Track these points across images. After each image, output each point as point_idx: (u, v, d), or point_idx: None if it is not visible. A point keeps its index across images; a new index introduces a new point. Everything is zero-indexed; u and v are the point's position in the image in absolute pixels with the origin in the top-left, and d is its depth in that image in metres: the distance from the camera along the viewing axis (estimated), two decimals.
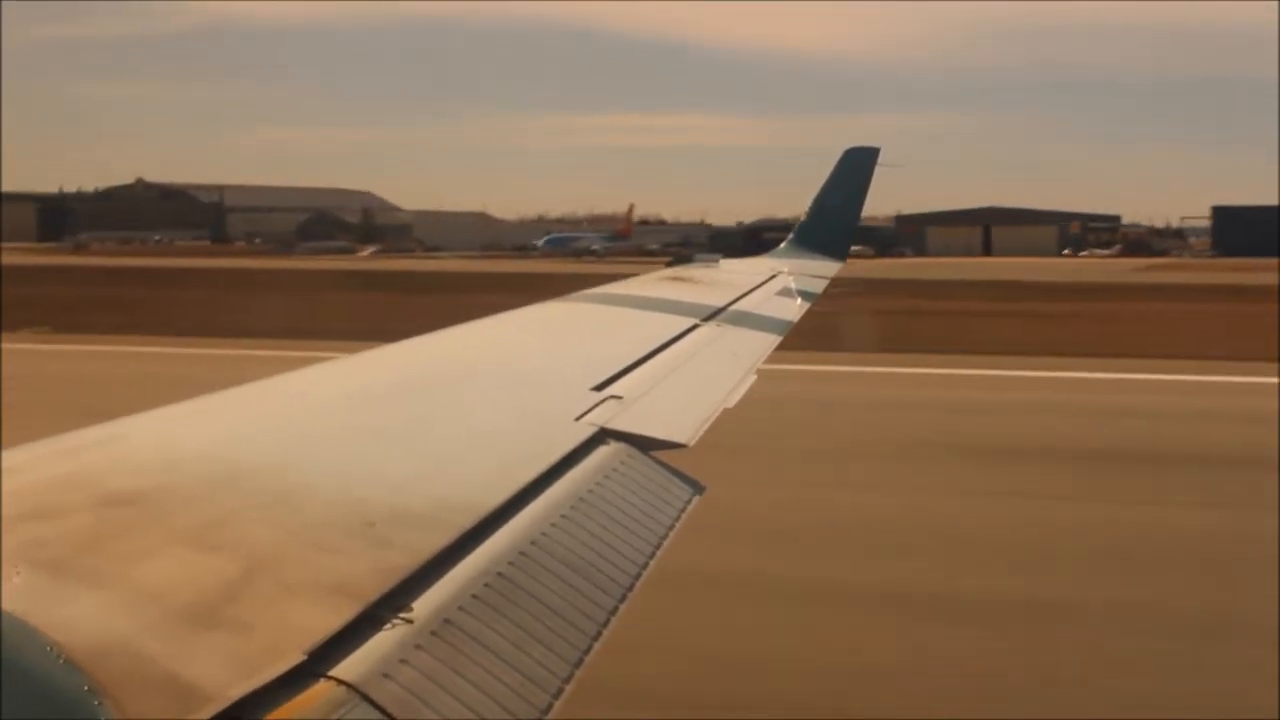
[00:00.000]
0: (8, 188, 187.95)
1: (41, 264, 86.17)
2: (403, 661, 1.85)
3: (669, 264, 9.46)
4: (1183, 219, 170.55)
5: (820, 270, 9.58)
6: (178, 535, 2.05)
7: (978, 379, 25.85)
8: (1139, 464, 17.26)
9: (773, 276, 8.53)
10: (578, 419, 3.41)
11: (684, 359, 4.83)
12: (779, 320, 6.77)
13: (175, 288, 58.41)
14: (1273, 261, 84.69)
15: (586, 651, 2.19)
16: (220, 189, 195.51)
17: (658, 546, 2.77)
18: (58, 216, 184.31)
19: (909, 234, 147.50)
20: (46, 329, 34.81)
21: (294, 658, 1.73)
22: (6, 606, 1.65)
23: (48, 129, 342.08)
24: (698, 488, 3.20)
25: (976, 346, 30.78)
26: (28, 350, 30.16)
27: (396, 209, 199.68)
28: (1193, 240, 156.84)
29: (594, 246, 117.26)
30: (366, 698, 1.74)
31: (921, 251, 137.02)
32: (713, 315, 6.16)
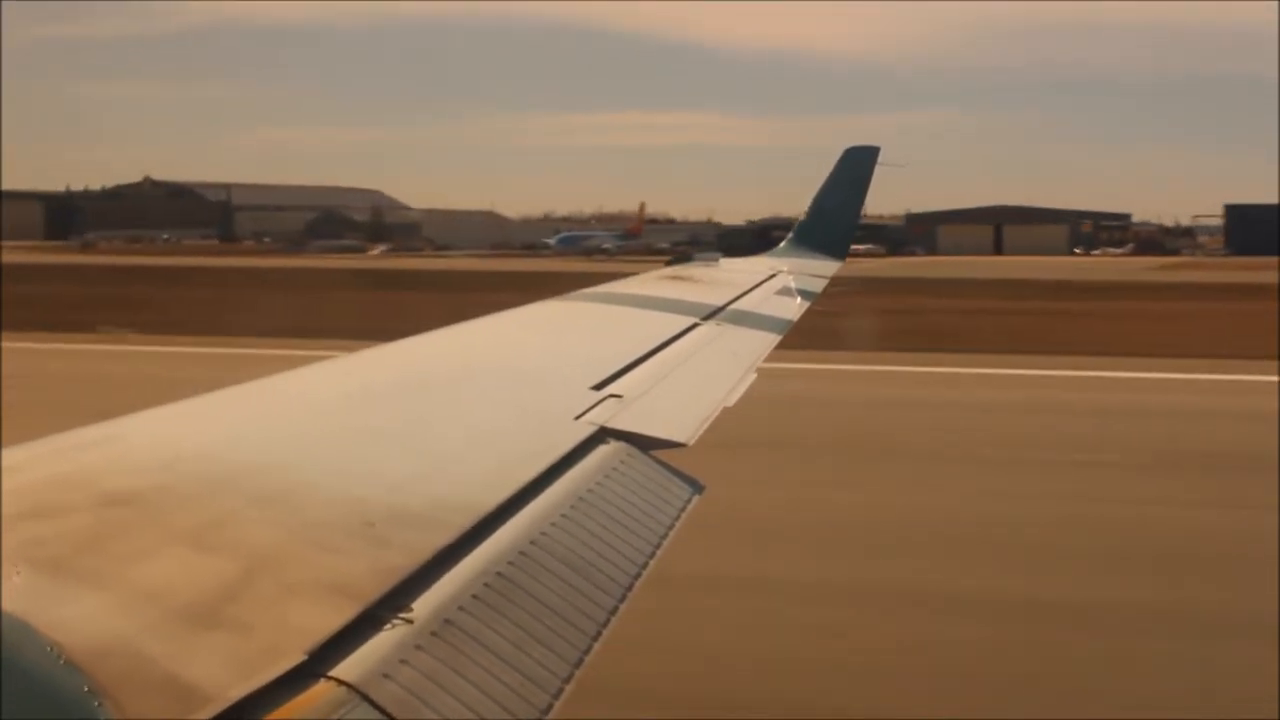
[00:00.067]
0: (14, 186, 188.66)
1: (55, 263, 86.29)
2: (403, 662, 1.85)
3: (668, 263, 9.43)
4: (1195, 217, 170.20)
5: (820, 269, 9.57)
6: (177, 535, 2.05)
7: (1090, 380, 25.55)
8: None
9: (772, 275, 8.52)
10: (577, 418, 3.40)
11: (684, 358, 4.82)
12: (779, 319, 6.76)
13: (199, 287, 58.18)
14: None
15: (586, 651, 2.19)
16: (228, 187, 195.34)
17: (658, 546, 2.76)
18: (64, 215, 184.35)
19: (919, 233, 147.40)
20: (127, 330, 34.33)
21: (294, 658, 1.72)
22: (6, 607, 1.64)
23: (51, 128, 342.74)
24: (698, 487, 3.20)
25: (1062, 347, 30.80)
26: (110, 351, 29.85)
27: (405, 208, 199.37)
28: (1202, 239, 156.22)
29: (606, 245, 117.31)
30: (366, 698, 1.74)
31: (932, 250, 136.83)
32: (712, 314, 6.16)
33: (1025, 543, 13.41)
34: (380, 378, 3.75)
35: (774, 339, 6.09)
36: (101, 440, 2.50)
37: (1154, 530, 13.95)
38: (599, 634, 2.27)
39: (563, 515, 2.64)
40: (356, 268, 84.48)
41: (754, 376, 4.84)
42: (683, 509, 3.05)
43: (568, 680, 2.08)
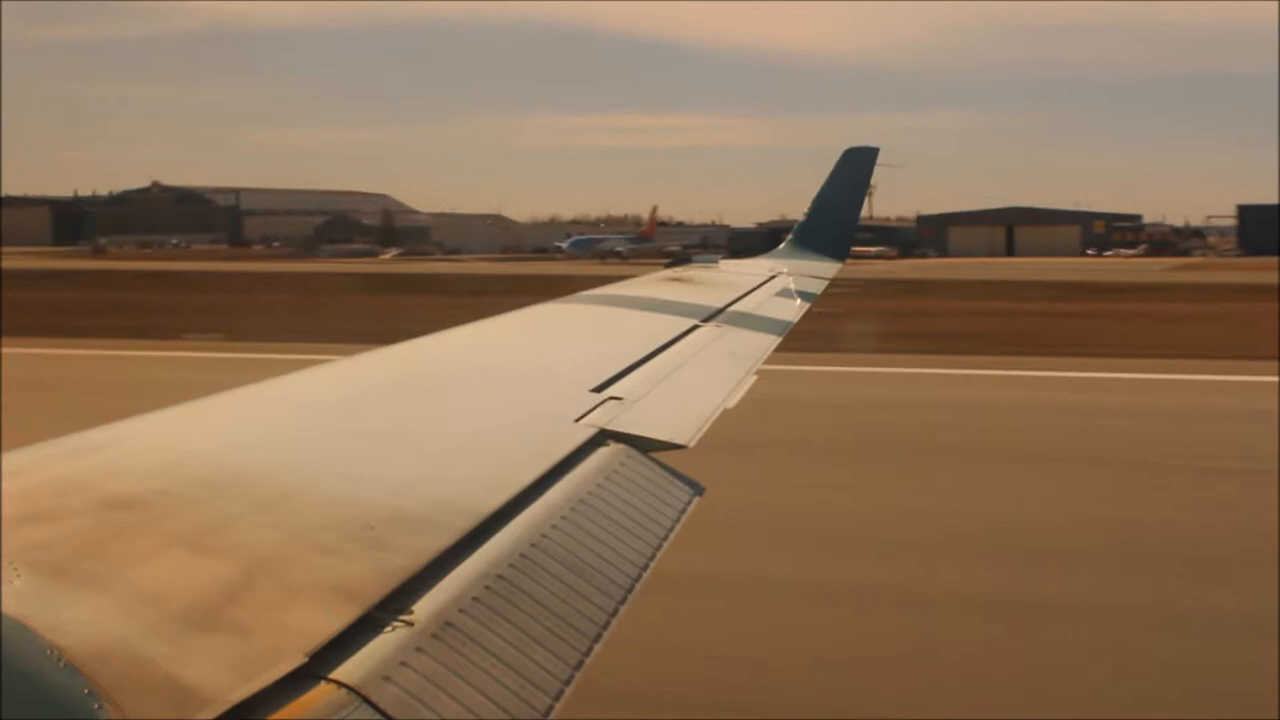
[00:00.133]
0: (21, 191, 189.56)
1: (79, 269, 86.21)
2: (403, 664, 1.85)
3: (668, 264, 9.41)
4: (1208, 218, 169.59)
5: (820, 270, 9.56)
6: (177, 538, 2.05)
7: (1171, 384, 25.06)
8: None
9: (772, 277, 8.51)
10: (577, 420, 3.40)
11: (684, 360, 4.82)
12: (778, 321, 6.75)
13: (247, 294, 57.69)
14: None
15: (587, 653, 2.19)
16: (237, 192, 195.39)
17: (658, 548, 2.76)
18: (73, 220, 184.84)
19: (930, 235, 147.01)
20: (213, 336, 34.02)
21: (294, 660, 1.73)
22: (6, 609, 1.64)
23: (55, 132, 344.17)
24: (698, 489, 3.19)
25: (1126, 349, 30.37)
26: (205, 360, 28.88)
27: (413, 212, 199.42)
28: (1212, 239, 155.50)
29: (618, 248, 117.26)
30: (367, 700, 1.74)
31: (944, 252, 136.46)
32: (712, 316, 6.15)
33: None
34: (380, 380, 3.75)
35: (774, 340, 6.07)
36: (102, 444, 2.50)
37: None
38: (599, 636, 2.27)
39: (563, 517, 2.64)
40: (379, 272, 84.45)
41: (754, 378, 4.82)
42: (683, 511, 3.04)
43: (568, 682, 2.08)
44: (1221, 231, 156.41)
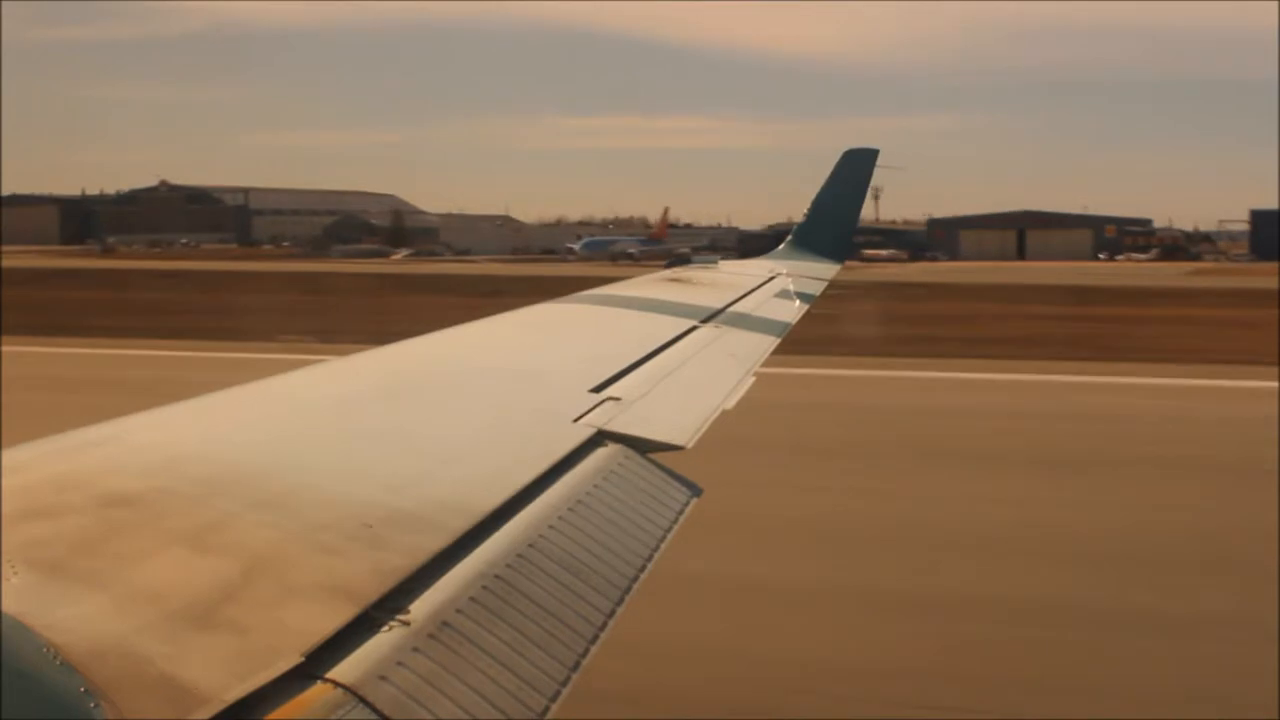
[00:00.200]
0: (27, 190, 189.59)
1: (101, 268, 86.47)
2: (399, 664, 1.85)
3: (667, 265, 9.41)
4: (1221, 222, 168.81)
5: (819, 272, 9.55)
6: (175, 536, 2.05)
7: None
8: None
9: (771, 278, 8.50)
10: (576, 420, 3.41)
11: (682, 360, 4.81)
12: (777, 322, 6.74)
13: (295, 294, 57.68)
14: None
15: (584, 654, 2.19)
16: (245, 191, 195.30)
17: (655, 549, 2.76)
18: (80, 219, 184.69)
19: (941, 238, 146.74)
20: (307, 337, 33.97)
21: (291, 659, 1.73)
22: (4, 607, 1.65)
23: (61, 130, 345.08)
24: (696, 490, 3.19)
25: (1187, 355, 30.32)
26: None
27: (420, 212, 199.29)
28: (1222, 244, 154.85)
29: (630, 250, 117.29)
30: (363, 700, 1.74)
31: (954, 255, 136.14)
32: (711, 317, 6.15)
33: None
34: (379, 379, 3.75)
35: (773, 341, 6.06)
36: (101, 441, 2.50)
37: None
38: (596, 637, 2.27)
39: (560, 518, 2.64)
40: (400, 273, 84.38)
41: (752, 379, 4.82)
42: (681, 512, 3.04)
43: (565, 683, 2.08)
44: (1234, 236, 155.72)
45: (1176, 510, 15.06)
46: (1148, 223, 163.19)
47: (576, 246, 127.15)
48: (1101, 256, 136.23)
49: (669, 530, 2.90)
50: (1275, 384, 24.48)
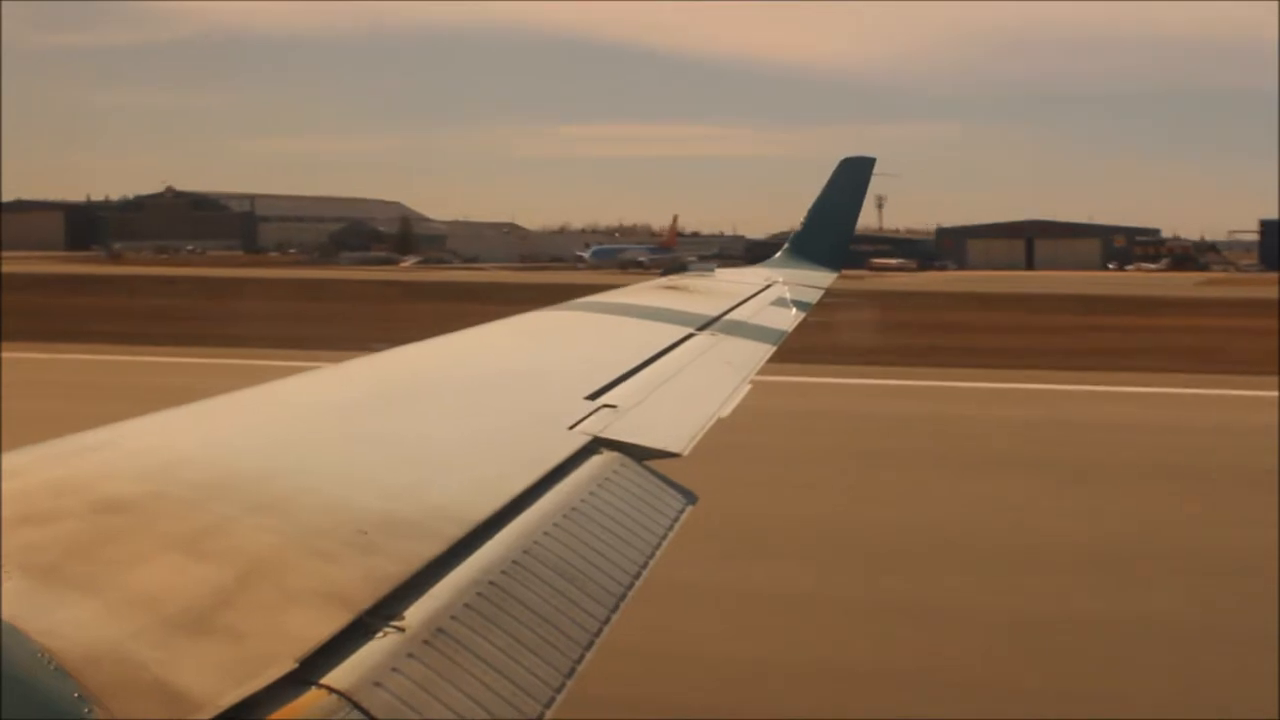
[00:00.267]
0: (33, 196, 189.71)
1: (95, 273, 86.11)
2: (394, 670, 1.85)
3: (663, 273, 9.42)
4: (1231, 232, 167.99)
5: (815, 280, 9.56)
6: (170, 542, 2.05)
7: None
8: None
9: (768, 286, 8.51)
10: (571, 427, 3.40)
11: (678, 368, 4.81)
12: (774, 330, 6.74)
13: (333, 301, 57.35)
14: None
15: (579, 661, 2.19)
16: (252, 198, 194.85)
17: (650, 556, 2.76)
18: (85, 225, 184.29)
19: (949, 247, 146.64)
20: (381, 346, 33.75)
21: (285, 665, 1.73)
22: None
23: (61, 137, 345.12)
24: (691, 498, 3.18)
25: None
26: None
27: (427, 219, 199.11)
28: (1226, 253, 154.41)
29: (640, 258, 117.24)
30: (358, 706, 1.74)
31: (963, 264, 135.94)
32: (707, 324, 6.15)
33: None
34: (375, 385, 3.75)
35: (769, 349, 6.06)
36: (97, 446, 2.50)
37: None
38: (591, 644, 2.27)
39: (555, 525, 2.64)
40: (414, 280, 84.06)
41: (748, 387, 4.81)
42: (676, 520, 3.04)
43: (559, 690, 2.08)
44: (1248, 247, 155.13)
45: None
46: (1156, 232, 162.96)
47: (586, 254, 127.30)
48: (1111, 266, 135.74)
49: (664, 537, 2.90)
50: None
